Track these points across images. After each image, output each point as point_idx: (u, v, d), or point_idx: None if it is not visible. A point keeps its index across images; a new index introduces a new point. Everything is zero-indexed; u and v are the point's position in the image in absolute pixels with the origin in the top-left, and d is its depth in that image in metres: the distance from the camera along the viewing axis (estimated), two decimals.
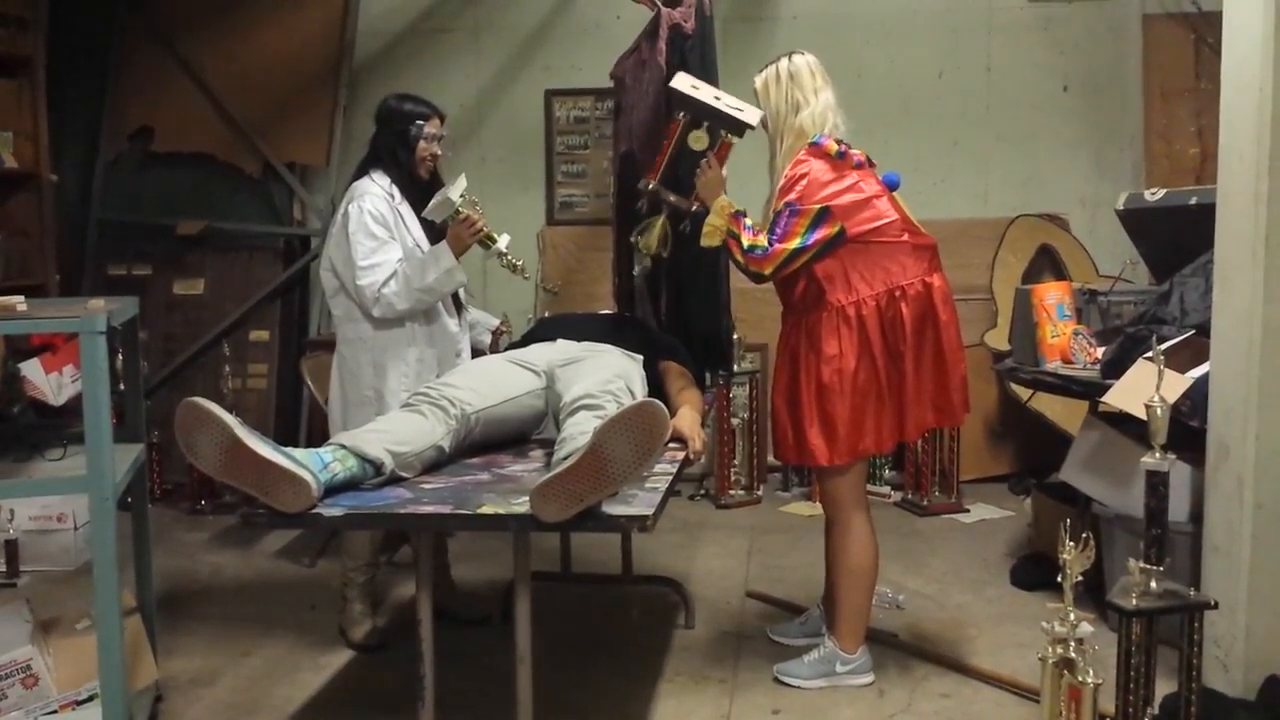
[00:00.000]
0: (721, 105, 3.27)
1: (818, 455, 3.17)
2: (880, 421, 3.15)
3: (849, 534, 3.25)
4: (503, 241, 3.40)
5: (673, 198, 3.37)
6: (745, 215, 3.18)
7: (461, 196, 3.31)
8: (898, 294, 3.13)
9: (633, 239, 3.47)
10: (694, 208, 3.32)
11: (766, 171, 3.32)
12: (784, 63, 3.25)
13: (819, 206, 3.07)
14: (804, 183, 3.11)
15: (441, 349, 3.54)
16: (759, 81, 3.28)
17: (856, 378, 3.11)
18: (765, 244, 3.10)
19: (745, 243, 3.12)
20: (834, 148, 3.15)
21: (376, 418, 3.33)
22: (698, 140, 3.34)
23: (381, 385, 3.47)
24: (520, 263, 3.44)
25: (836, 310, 3.12)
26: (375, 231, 3.38)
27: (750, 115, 3.25)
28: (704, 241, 3.23)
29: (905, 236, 3.17)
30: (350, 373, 3.53)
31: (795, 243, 3.07)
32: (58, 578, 4.36)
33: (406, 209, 3.48)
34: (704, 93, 3.30)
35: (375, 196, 3.43)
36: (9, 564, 4.31)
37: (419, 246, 3.46)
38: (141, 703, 2.99)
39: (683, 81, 3.33)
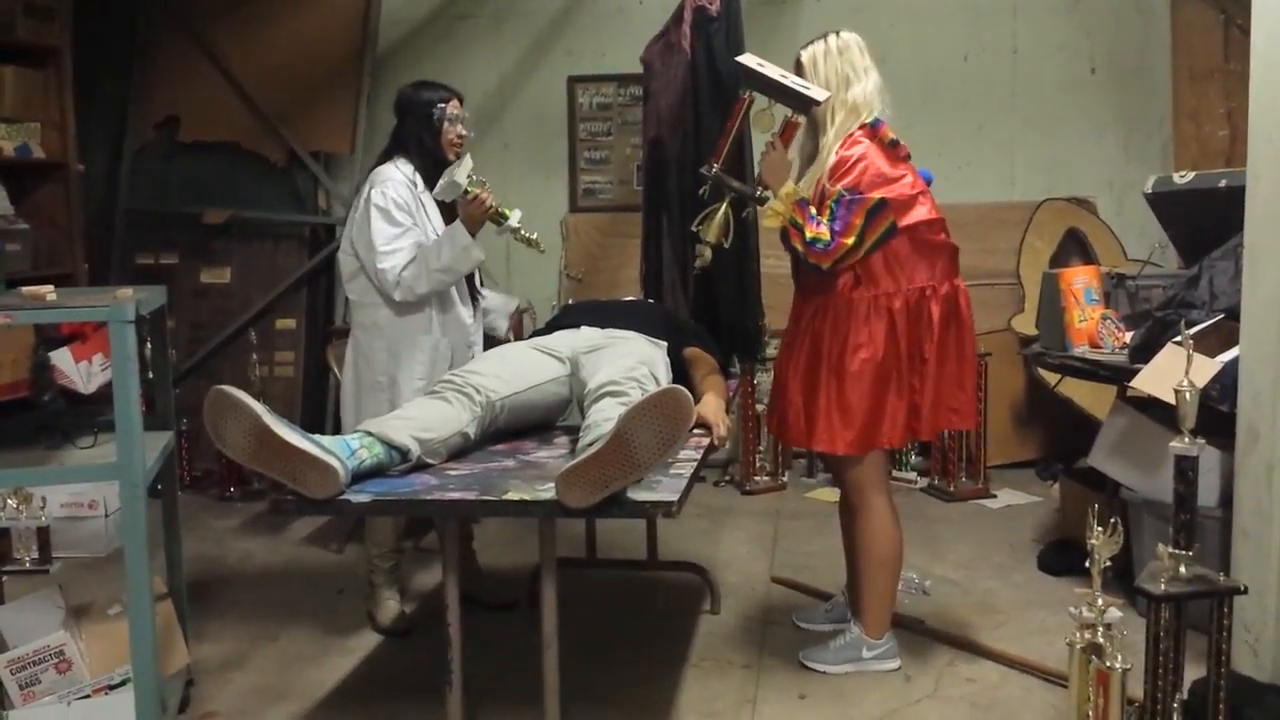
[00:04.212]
0: (788, 82, 3.14)
1: (830, 443, 3.13)
2: (895, 417, 3.11)
3: (872, 520, 3.23)
4: (514, 217, 3.39)
5: (735, 184, 3.26)
6: (809, 204, 3.08)
7: (469, 177, 3.31)
8: (928, 293, 3.09)
9: (694, 228, 3.35)
10: (758, 193, 3.19)
11: (800, 151, 3.25)
12: (833, 38, 3.19)
13: (877, 197, 3.01)
14: (861, 166, 3.04)
15: (454, 338, 3.55)
16: (806, 55, 3.20)
17: (880, 370, 3.07)
18: (827, 238, 3.01)
19: (808, 235, 3.03)
20: (889, 135, 3.10)
21: (389, 404, 3.37)
22: (761, 121, 3.23)
23: (396, 372, 3.48)
24: (535, 236, 3.43)
25: (869, 300, 3.07)
26: (397, 217, 3.40)
27: (817, 92, 3.11)
28: (764, 224, 3.16)
29: (942, 237, 3.14)
30: (364, 357, 3.55)
31: (852, 239, 3.01)
32: (89, 564, 4.40)
33: (428, 196, 3.49)
34: (770, 69, 3.18)
35: (398, 183, 3.45)
36: (41, 551, 4.35)
37: (439, 233, 3.47)
38: (173, 687, 3.02)
39: (750, 58, 3.22)
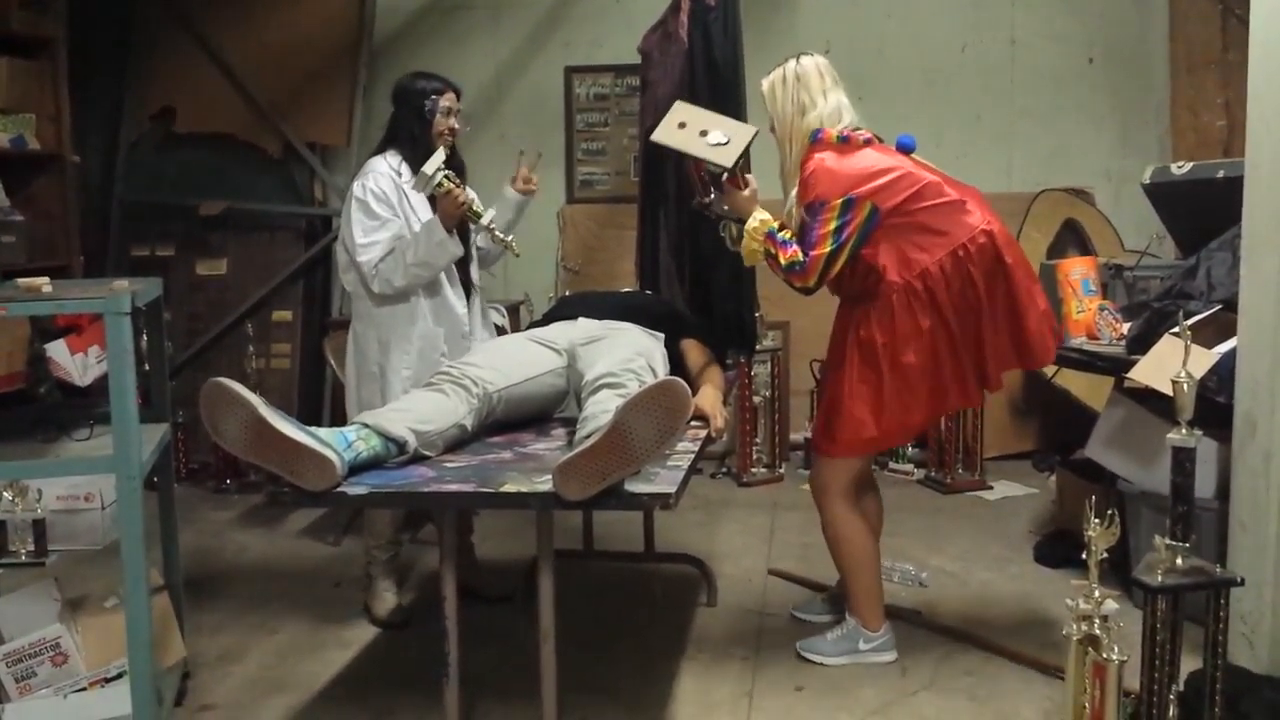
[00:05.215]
0: (697, 147, 3.19)
1: (904, 434, 3.17)
2: (964, 381, 3.09)
3: (833, 523, 3.26)
4: (487, 216, 3.40)
5: (722, 213, 3.31)
6: (780, 231, 3.11)
7: (438, 169, 3.30)
8: (960, 253, 3.03)
9: (720, 234, 3.40)
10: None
11: (778, 176, 3.25)
12: (791, 64, 3.18)
13: (840, 201, 3.00)
14: (814, 180, 3.05)
15: (448, 327, 3.53)
16: (766, 84, 3.21)
17: (936, 348, 3.05)
18: (802, 258, 3.04)
19: (784, 261, 3.07)
20: (833, 135, 3.09)
21: (384, 394, 3.39)
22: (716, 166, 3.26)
23: (385, 361, 3.49)
24: (510, 239, 3.43)
25: (903, 288, 3.03)
26: (376, 209, 3.40)
27: (728, 153, 3.15)
28: (746, 263, 3.24)
29: (951, 193, 3.08)
30: (360, 349, 3.57)
31: (828, 246, 3.01)
32: (85, 557, 4.39)
33: None
34: (687, 132, 3.21)
35: (380, 174, 3.45)
36: (37, 543, 4.35)
37: None
38: (170, 680, 3.02)
39: (666, 126, 3.27)
